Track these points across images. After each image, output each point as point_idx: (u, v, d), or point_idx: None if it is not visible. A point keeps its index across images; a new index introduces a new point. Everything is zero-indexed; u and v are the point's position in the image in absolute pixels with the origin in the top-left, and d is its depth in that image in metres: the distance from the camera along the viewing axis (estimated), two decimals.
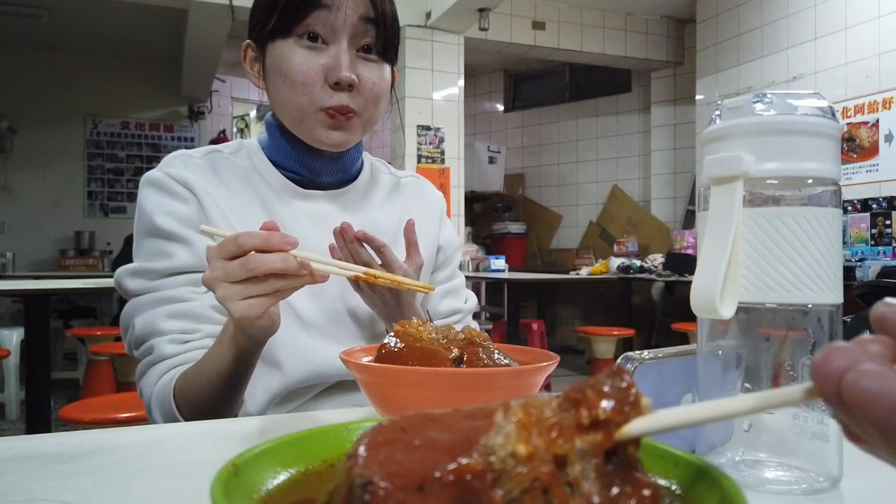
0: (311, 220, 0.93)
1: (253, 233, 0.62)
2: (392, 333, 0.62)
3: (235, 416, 0.79)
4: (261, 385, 0.84)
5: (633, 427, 0.24)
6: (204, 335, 0.82)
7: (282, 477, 0.30)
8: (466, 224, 5.69)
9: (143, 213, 0.87)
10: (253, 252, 0.62)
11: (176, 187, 0.87)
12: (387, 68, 0.90)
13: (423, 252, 1.00)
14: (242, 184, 0.92)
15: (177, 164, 0.90)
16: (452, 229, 1.11)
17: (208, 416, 0.76)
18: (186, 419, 0.77)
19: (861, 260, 3.74)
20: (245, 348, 0.70)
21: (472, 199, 6.67)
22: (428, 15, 4.79)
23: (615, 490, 0.24)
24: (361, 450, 0.25)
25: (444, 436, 0.25)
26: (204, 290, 0.83)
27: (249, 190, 0.92)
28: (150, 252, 0.85)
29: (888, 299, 0.25)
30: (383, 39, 0.88)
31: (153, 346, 0.81)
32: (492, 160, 6.68)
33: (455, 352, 0.60)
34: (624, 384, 0.25)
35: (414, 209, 1.05)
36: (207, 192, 0.88)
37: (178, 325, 0.82)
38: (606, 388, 0.25)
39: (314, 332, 0.88)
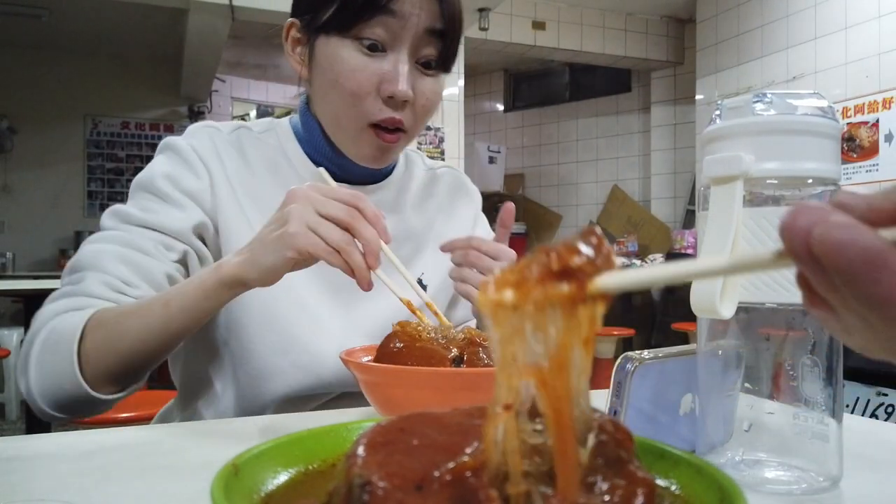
0: None
1: (371, 206, 0.63)
2: (391, 333, 0.62)
3: (139, 383, 0.72)
4: (263, 391, 0.82)
5: (605, 281, 0.24)
6: (142, 295, 0.75)
7: (282, 477, 0.30)
8: None
9: (148, 170, 0.83)
10: (359, 210, 0.62)
11: (193, 159, 0.83)
12: (443, 79, 0.85)
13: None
14: (267, 168, 0.88)
15: (201, 136, 0.86)
16: (486, 227, 1.06)
17: (116, 368, 0.68)
18: (80, 359, 0.67)
19: None
20: (227, 292, 0.66)
21: None
22: None
23: (608, 484, 0.24)
24: (360, 450, 0.25)
25: (442, 436, 0.25)
26: (171, 255, 0.78)
27: (274, 175, 0.88)
28: (139, 206, 0.81)
29: (846, 190, 0.25)
30: (446, 53, 0.82)
31: (84, 278, 0.74)
32: (492, 160, 6.68)
33: (454, 352, 0.60)
34: (595, 240, 0.24)
35: (447, 208, 1.01)
36: (225, 173, 0.84)
37: (122, 270, 0.74)
38: (577, 244, 0.24)
39: (326, 337, 0.84)
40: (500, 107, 7.24)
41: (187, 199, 0.81)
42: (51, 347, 0.69)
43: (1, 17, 5.27)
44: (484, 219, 1.07)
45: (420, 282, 0.93)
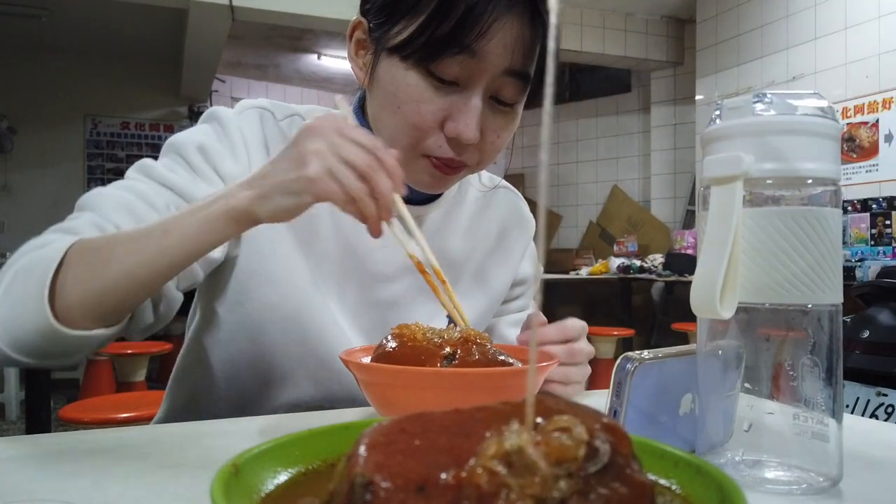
0: (367, 236, 0.84)
1: (389, 155, 0.59)
2: (389, 335, 0.62)
3: (114, 328, 0.65)
4: (269, 398, 0.81)
5: None
6: None
7: (282, 477, 0.30)
8: None
9: (186, 135, 0.78)
10: (378, 159, 0.57)
11: (236, 140, 0.78)
12: (519, 109, 0.76)
13: (493, 288, 0.92)
14: None
15: (251, 119, 0.80)
16: (534, 258, 0.99)
17: (94, 299, 0.60)
18: (53, 289, 0.59)
19: (861, 260, 3.74)
20: (235, 227, 0.60)
21: None
22: None
23: (607, 489, 0.24)
24: (362, 450, 0.24)
25: (444, 437, 0.25)
26: None
27: None
28: (165, 164, 0.76)
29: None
30: (527, 91, 0.73)
31: (79, 217, 0.69)
32: None
33: (447, 349, 0.60)
34: None
35: (495, 239, 0.94)
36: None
37: (121, 218, 0.68)
38: None
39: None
40: None
41: (217, 177, 0.76)
42: (22, 277, 0.62)
43: (1, 17, 5.26)
44: (533, 250, 0.99)
45: (450, 317, 0.90)
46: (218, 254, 0.76)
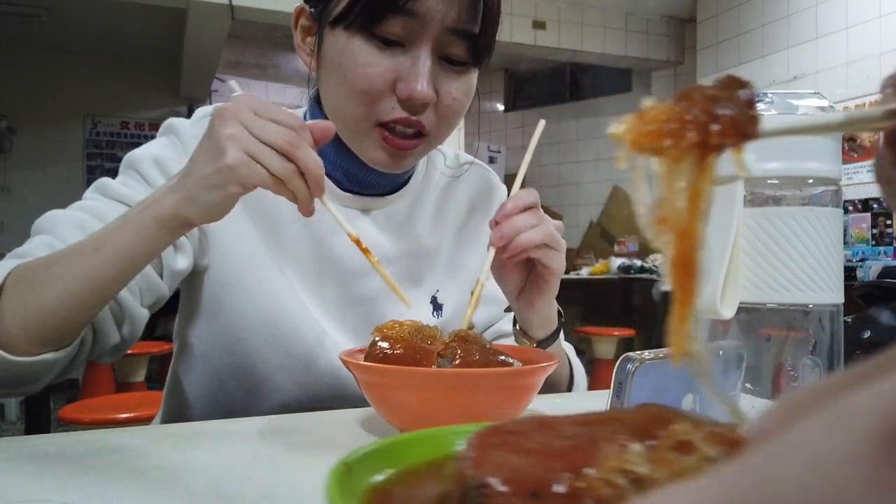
0: (339, 232, 0.80)
1: (307, 131, 0.56)
2: (377, 336, 0.61)
3: (65, 350, 0.62)
4: (256, 405, 0.79)
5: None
6: None
7: (387, 474, 0.30)
8: None
9: (142, 150, 0.77)
10: (300, 133, 0.55)
11: (193, 149, 0.76)
12: (474, 74, 0.75)
13: (470, 274, 0.88)
14: None
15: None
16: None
17: (37, 321, 0.59)
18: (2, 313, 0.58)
19: (862, 260, 3.74)
20: (168, 234, 0.57)
21: None
22: None
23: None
24: (474, 451, 0.24)
25: (557, 441, 0.25)
26: None
27: None
28: (122, 181, 0.75)
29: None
30: (477, 50, 0.72)
31: (34, 240, 0.68)
32: (492, 160, 6.68)
33: (439, 346, 0.60)
34: (746, 93, 0.25)
35: (466, 218, 0.92)
36: None
37: (76, 237, 0.65)
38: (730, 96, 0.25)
39: (327, 356, 0.79)
40: (500, 107, 7.24)
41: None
42: None
43: (1, 16, 5.26)
44: None
45: (435, 300, 0.87)
46: (183, 265, 0.75)
